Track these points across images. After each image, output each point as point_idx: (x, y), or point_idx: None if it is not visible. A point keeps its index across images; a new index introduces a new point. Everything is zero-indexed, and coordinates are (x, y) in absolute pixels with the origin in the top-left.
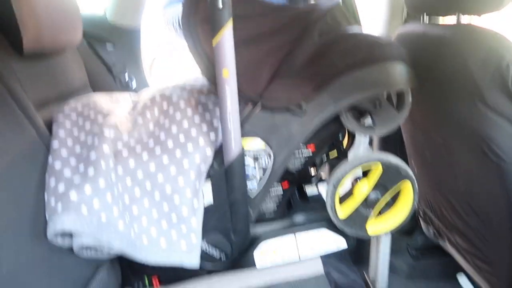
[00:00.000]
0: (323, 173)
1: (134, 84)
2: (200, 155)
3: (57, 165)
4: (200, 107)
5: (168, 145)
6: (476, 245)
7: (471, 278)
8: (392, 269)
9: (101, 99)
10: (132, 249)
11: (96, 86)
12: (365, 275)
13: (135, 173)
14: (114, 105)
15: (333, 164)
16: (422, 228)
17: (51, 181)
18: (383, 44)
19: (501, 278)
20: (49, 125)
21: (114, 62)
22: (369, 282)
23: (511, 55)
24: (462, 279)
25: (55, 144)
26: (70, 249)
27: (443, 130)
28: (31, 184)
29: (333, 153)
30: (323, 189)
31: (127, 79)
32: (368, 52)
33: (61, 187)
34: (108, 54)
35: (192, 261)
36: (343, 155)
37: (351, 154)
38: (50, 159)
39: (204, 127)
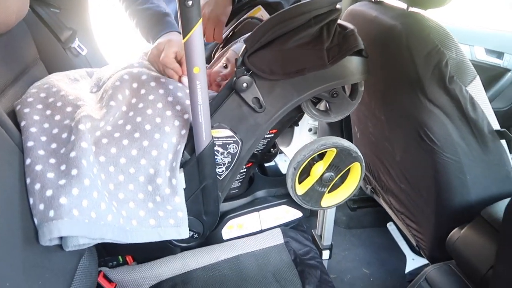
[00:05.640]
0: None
1: (84, 52)
2: (176, 135)
3: (37, 166)
4: (171, 86)
5: (145, 128)
6: (407, 207)
7: (398, 227)
8: (334, 221)
9: (60, 82)
10: (123, 235)
11: (47, 58)
12: (313, 232)
13: (118, 160)
14: (75, 86)
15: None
16: (361, 185)
17: (35, 185)
18: (344, 38)
19: (426, 236)
20: (12, 116)
21: (62, 29)
22: (316, 238)
23: (451, 53)
24: (391, 228)
25: (29, 142)
26: (57, 246)
27: (386, 111)
28: (12, 189)
29: None
30: (279, 161)
31: (77, 47)
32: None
33: (48, 192)
34: (54, 20)
35: (182, 233)
36: (295, 124)
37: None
38: (27, 160)
39: (178, 107)
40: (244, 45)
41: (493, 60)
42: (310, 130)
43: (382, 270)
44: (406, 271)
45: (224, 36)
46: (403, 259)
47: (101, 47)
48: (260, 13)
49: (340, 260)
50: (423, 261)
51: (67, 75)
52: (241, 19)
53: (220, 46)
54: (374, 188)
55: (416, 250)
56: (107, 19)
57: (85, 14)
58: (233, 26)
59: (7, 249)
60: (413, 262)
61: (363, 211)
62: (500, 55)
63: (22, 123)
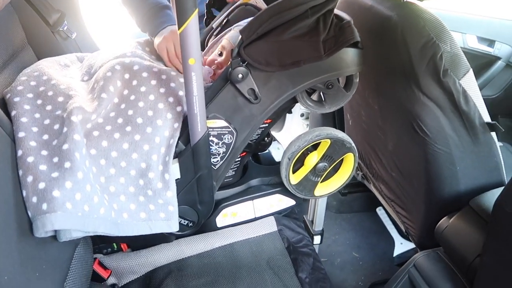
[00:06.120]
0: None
1: (73, 36)
2: (169, 129)
3: (29, 158)
4: (164, 76)
5: (137, 122)
6: (397, 195)
7: (387, 212)
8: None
9: (50, 69)
10: (115, 228)
11: (35, 42)
12: (304, 217)
13: (109, 153)
14: (66, 73)
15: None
16: None
17: (28, 177)
18: (341, 30)
19: (416, 224)
20: (2, 104)
21: (50, 11)
22: (308, 223)
23: (446, 46)
24: (381, 212)
25: (20, 133)
26: (52, 237)
27: (380, 101)
28: (5, 180)
29: None
30: (272, 149)
31: (65, 31)
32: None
33: (41, 184)
34: (41, 2)
35: (172, 227)
36: (289, 111)
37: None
38: (19, 151)
39: (171, 98)
40: (240, 36)
41: (484, 48)
42: (302, 115)
43: (372, 253)
44: (394, 254)
45: (218, 22)
46: (391, 243)
47: (90, 30)
48: None
49: (331, 244)
50: (410, 245)
51: (57, 61)
52: (235, 5)
53: (214, 33)
54: (365, 175)
55: (404, 235)
56: (96, 1)
57: None
58: (227, 12)
59: (3, 242)
60: (401, 246)
61: (354, 196)
62: (491, 43)
63: (13, 113)
